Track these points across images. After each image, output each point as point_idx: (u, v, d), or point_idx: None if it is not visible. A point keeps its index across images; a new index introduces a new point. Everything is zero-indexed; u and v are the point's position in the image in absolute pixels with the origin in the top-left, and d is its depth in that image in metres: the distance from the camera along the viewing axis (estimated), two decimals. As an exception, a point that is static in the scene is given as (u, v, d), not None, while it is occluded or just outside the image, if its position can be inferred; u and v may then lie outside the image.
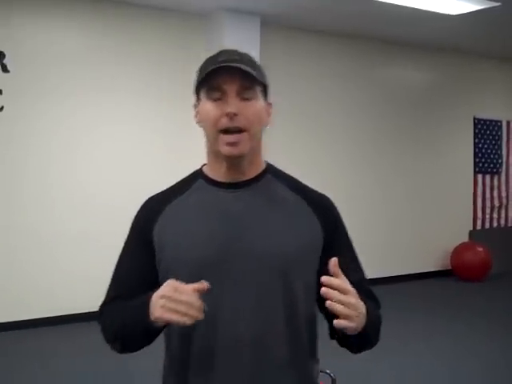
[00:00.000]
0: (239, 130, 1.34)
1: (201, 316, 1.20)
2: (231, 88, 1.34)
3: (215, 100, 1.35)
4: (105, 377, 4.24)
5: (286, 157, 5.31)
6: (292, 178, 1.50)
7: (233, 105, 1.33)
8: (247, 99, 1.35)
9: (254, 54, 6.88)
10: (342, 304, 1.17)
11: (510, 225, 8.79)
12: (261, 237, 1.35)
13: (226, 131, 1.34)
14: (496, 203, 8.60)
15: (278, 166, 1.53)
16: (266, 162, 1.49)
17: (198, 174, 1.48)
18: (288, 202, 1.42)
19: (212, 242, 1.35)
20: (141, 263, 1.42)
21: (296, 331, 1.37)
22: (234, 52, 1.40)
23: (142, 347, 1.40)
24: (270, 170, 1.48)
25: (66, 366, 4.48)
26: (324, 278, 1.18)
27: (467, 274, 7.68)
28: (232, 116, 1.33)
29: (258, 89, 1.39)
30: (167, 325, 1.28)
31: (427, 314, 6.09)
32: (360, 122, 7.38)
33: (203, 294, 1.24)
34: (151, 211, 1.44)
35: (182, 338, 1.38)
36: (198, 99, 1.41)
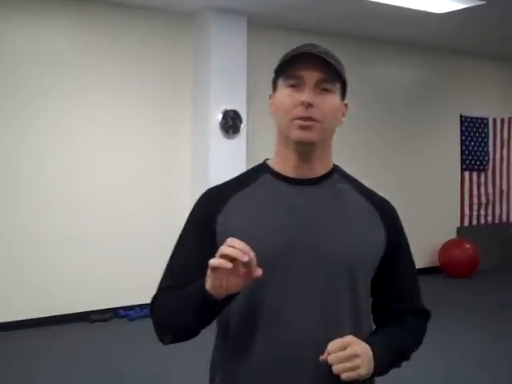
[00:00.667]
0: (312, 121, 1.32)
1: (251, 257, 1.15)
2: (310, 77, 1.31)
3: (292, 86, 1.32)
4: (100, 377, 4.23)
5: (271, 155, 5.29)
6: (357, 180, 1.50)
7: (310, 95, 1.30)
8: (325, 91, 1.33)
9: (241, 53, 6.86)
10: (345, 361, 1.22)
11: (497, 221, 8.85)
12: (327, 235, 1.34)
13: (300, 118, 1.31)
14: (483, 200, 8.66)
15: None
16: (332, 162, 1.48)
17: (262, 168, 1.44)
18: (354, 203, 1.42)
19: (278, 236, 1.33)
20: (200, 255, 1.30)
21: (360, 334, 1.33)
22: (319, 45, 1.37)
23: (196, 332, 1.33)
24: (337, 170, 1.47)
25: (60, 366, 4.47)
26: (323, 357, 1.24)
27: (455, 270, 7.72)
28: (307, 105, 1.30)
29: (338, 85, 1.36)
30: (226, 301, 1.23)
31: (416, 311, 6.12)
32: (348, 120, 7.35)
33: (266, 289, 1.27)
34: (214, 202, 1.39)
35: (241, 336, 1.34)
36: (275, 90, 1.39)
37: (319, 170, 1.41)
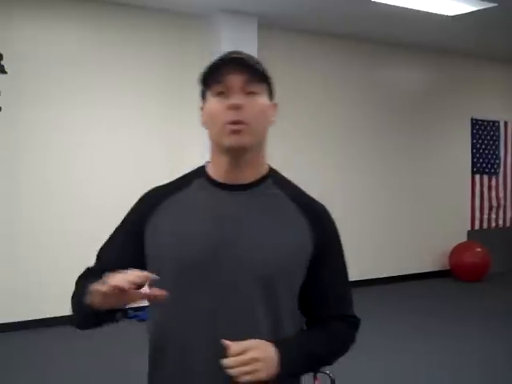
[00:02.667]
0: (242, 124, 1.33)
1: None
2: (235, 81, 1.33)
3: (219, 94, 1.34)
4: (109, 380, 4.25)
5: (281, 157, 5.32)
6: (293, 185, 1.48)
7: (237, 98, 1.32)
8: (252, 93, 1.34)
9: (251, 54, 6.93)
10: (244, 364, 1.23)
11: (508, 225, 8.81)
12: (248, 242, 1.34)
13: (231, 123, 1.32)
14: (494, 203, 8.62)
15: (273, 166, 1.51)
16: (269, 166, 1.47)
17: (200, 171, 1.47)
18: (283, 210, 1.41)
19: (198, 243, 1.35)
20: (126, 253, 1.43)
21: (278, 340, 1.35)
22: (239, 51, 1.38)
23: (94, 327, 1.43)
24: (272, 175, 1.46)
25: (65, 368, 4.48)
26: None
27: (466, 274, 7.69)
28: (236, 108, 1.31)
29: (264, 86, 1.38)
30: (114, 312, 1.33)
31: (426, 314, 6.10)
32: (357, 123, 7.39)
33: (182, 295, 1.31)
34: (148, 204, 1.45)
35: (156, 342, 1.41)
36: (204, 102, 1.40)
37: (251, 175, 1.41)
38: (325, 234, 1.43)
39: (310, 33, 6.88)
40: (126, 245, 1.44)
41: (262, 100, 1.37)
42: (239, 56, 1.34)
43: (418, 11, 5.90)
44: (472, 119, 8.41)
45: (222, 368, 1.23)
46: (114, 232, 1.51)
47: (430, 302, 6.73)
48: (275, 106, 1.44)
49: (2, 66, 5.29)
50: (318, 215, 1.43)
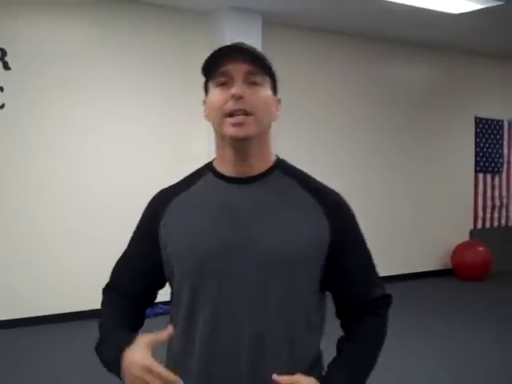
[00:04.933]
0: (245, 114, 1.31)
1: None
2: (238, 71, 1.32)
3: (221, 85, 1.33)
4: (106, 376, 4.22)
5: (282, 154, 5.29)
6: (303, 173, 1.46)
7: (239, 88, 1.30)
8: (255, 84, 1.33)
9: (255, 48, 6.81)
10: None
11: (510, 224, 8.78)
12: (264, 233, 1.33)
13: (232, 115, 1.31)
14: (497, 203, 8.59)
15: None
16: (276, 156, 1.46)
17: (207, 168, 1.46)
18: (296, 198, 1.39)
19: (215, 236, 1.34)
20: (145, 258, 1.43)
21: (294, 331, 1.35)
22: (241, 42, 1.38)
23: None
24: (280, 165, 1.44)
25: (64, 365, 4.48)
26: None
27: (468, 273, 7.67)
28: (237, 98, 1.30)
29: (267, 79, 1.36)
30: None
31: (428, 314, 6.09)
32: (361, 121, 7.37)
33: (202, 294, 1.31)
34: (158, 206, 1.44)
35: (182, 339, 1.38)
36: (207, 94, 1.39)
37: (258, 166, 1.39)
38: (342, 221, 1.41)
39: (314, 30, 6.85)
40: (145, 249, 1.44)
41: (266, 92, 1.36)
42: (241, 46, 1.33)
43: (424, 9, 5.87)
44: (476, 118, 8.39)
45: (242, 361, 1.29)
46: (128, 244, 1.50)
47: (432, 301, 6.72)
48: (279, 101, 1.42)
49: (6, 63, 5.29)
50: (334, 203, 1.42)
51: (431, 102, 7.96)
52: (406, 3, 5.69)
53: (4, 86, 5.29)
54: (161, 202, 1.44)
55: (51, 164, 5.55)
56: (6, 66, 5.30)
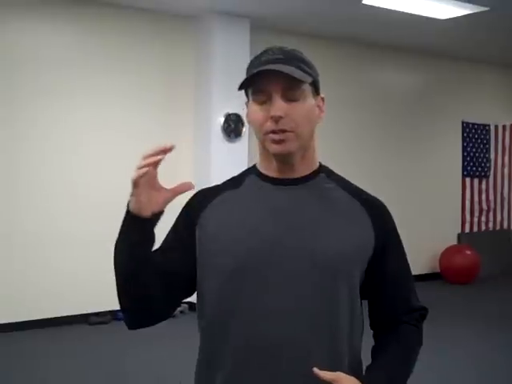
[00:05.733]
0: (286, 132, 1.31)
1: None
2: (276, 90, 1.30)
3: (261, 103, 1.32)
4: (99, 380, 4.21)
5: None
6: (346, 180, 1.47)
7: (277, 108, 1.29)
8: (293, 100, 1.31)
9: (244, 56, 6.82)
10: None
11: (498, 228, 8.84)
12: (308, 235, 1.32)
13: (273, 131, 1.31)
14: (484, 207, 8.65)
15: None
16: (319, 162, 1.46)
17: (250, 170, 1.46)
18: (341, 202, 1.39)
19: (257, 236, 1.33)
20: (182, 245, 1.40)
21: (337, 335, 1.33)
22: (278, 51, 1.36)
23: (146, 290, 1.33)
24: (324, 170, 1.45)
25: (59, 368, 4.45)
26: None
27: (456, 276, 7.71)
28: (277, 119, 1.29)
29: (306, 86, 1.33)
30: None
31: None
32: (348, 126, 7.40)
33: (242, 291, 1.29)
34: (202, 199, 1.43)
35: (217, 333, 1.35)
36: (248, 99, 1.38)
37: (302, 170, 1.40)
38: (386, 227, 1.41)
39: (302, 35, 6.87)
40: (183, 237, 1.41)
41: (306, 103, 1.33)
42: (277, 62, 1.30)
43: (410, 14, 5.91)
44: (463, 122, 8.44)
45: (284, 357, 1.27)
46: (165, 238, 1.46)
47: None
48: (322, 99, 1.40)
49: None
50: (377, 209, 1.42)
51: (418, 107, 8.00)
52: (393, 9, 5.72)
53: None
54: (206, 196, 1.43)
55: (42, 168, 5.53)
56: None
